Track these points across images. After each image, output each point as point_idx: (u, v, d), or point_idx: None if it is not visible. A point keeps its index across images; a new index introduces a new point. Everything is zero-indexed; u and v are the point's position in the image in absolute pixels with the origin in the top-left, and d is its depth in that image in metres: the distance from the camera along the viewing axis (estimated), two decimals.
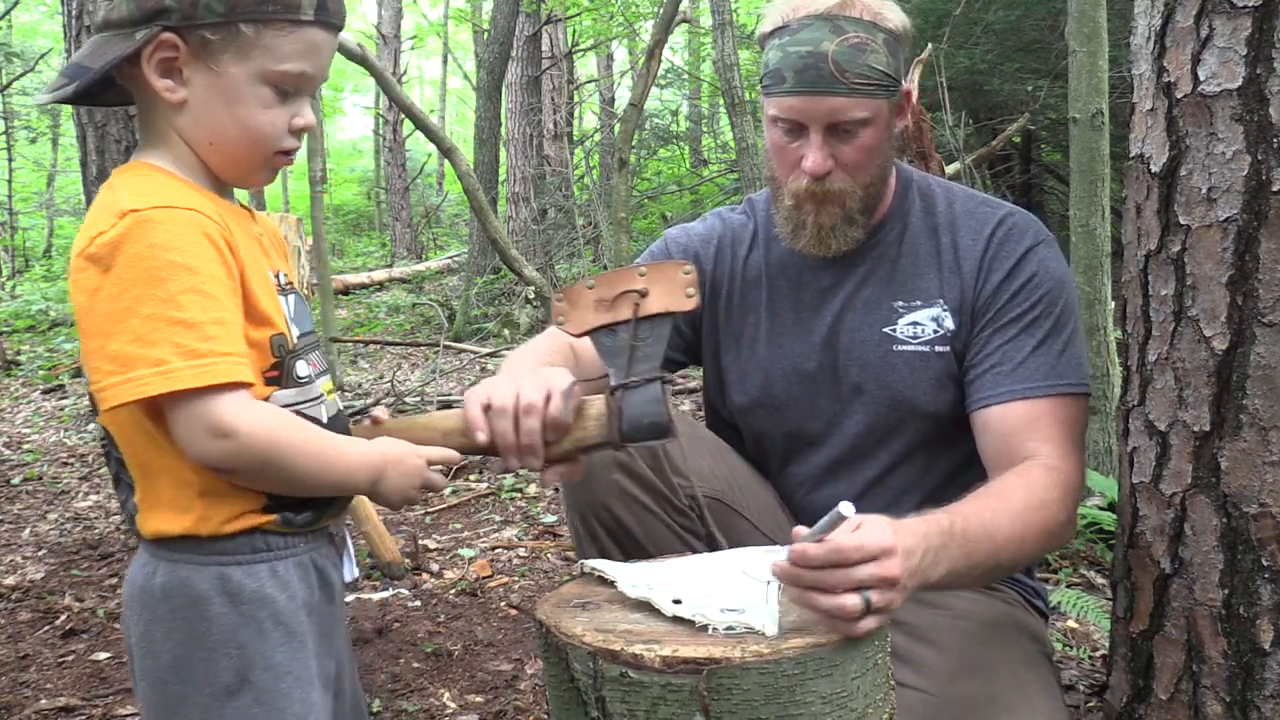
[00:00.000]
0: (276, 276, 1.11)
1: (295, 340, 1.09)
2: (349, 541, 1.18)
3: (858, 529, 1.04)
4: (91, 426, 5.73)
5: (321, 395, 1.10)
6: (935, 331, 1.51)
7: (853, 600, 1.01)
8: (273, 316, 1.06)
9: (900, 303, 1.52)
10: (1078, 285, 3.46)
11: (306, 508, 1.07)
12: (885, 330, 1.52)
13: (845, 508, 1.02)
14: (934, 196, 1.58)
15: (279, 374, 1.06)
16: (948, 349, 1.50)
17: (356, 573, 1.15)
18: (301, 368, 1.09)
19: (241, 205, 1.15)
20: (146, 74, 1.02)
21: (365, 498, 3.37)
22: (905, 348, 1.51)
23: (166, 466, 1.01)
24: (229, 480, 1.01)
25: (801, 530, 1.07)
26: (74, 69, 1.02)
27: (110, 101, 1.10)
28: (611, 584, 1.18)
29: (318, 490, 1.06)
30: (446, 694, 2.35)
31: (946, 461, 1.54)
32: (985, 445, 1.46)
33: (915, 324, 1.52)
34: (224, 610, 0.99)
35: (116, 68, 1.01)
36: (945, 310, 1.51)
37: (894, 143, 1.53)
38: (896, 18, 1.46)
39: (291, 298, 1.13)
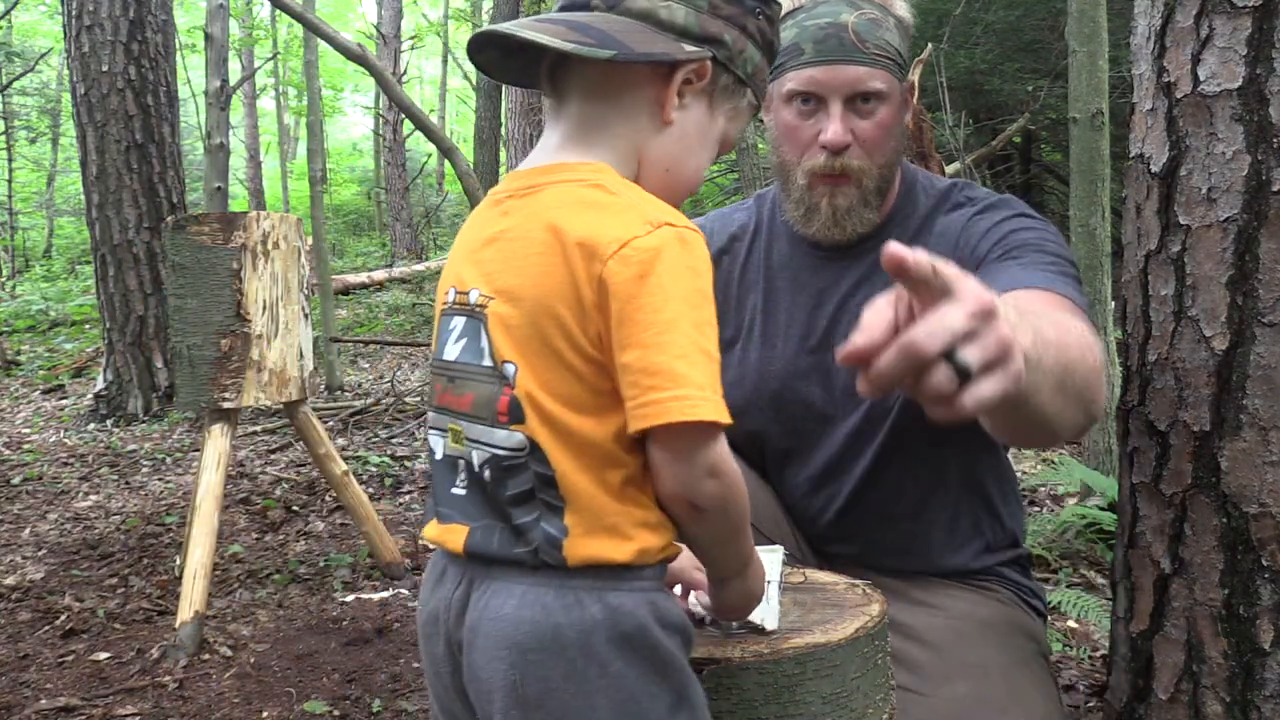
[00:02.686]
0: None
1: None
2: None
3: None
4: (92, 426, 5.74)
5: None
6: None
7: (941, 375, 0.74)
8: None
9: None
10: None
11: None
12: None
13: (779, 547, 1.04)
14: (939, 195, 1.56)
15: None
16: None
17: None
18: None
19: None
20: (670, 86, 0.98)
21: (365, 498, 3.33)
22: None
23: (624, 493, 0.92)
24: (693, 521, 0.94)
25: None
26: (604, 36, 0.94)
27: (512, 75, 1.06)
28: None
29: (729, 552, 0.99)
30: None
31: (944, 460, 1.54)
32: None
33: None
34: (662, 637, 0.92)
35: (658, 63, 0.97)
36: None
37: (903, 132, 1.52)
38: (903, 7, 1.48)
39: None
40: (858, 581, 1.19)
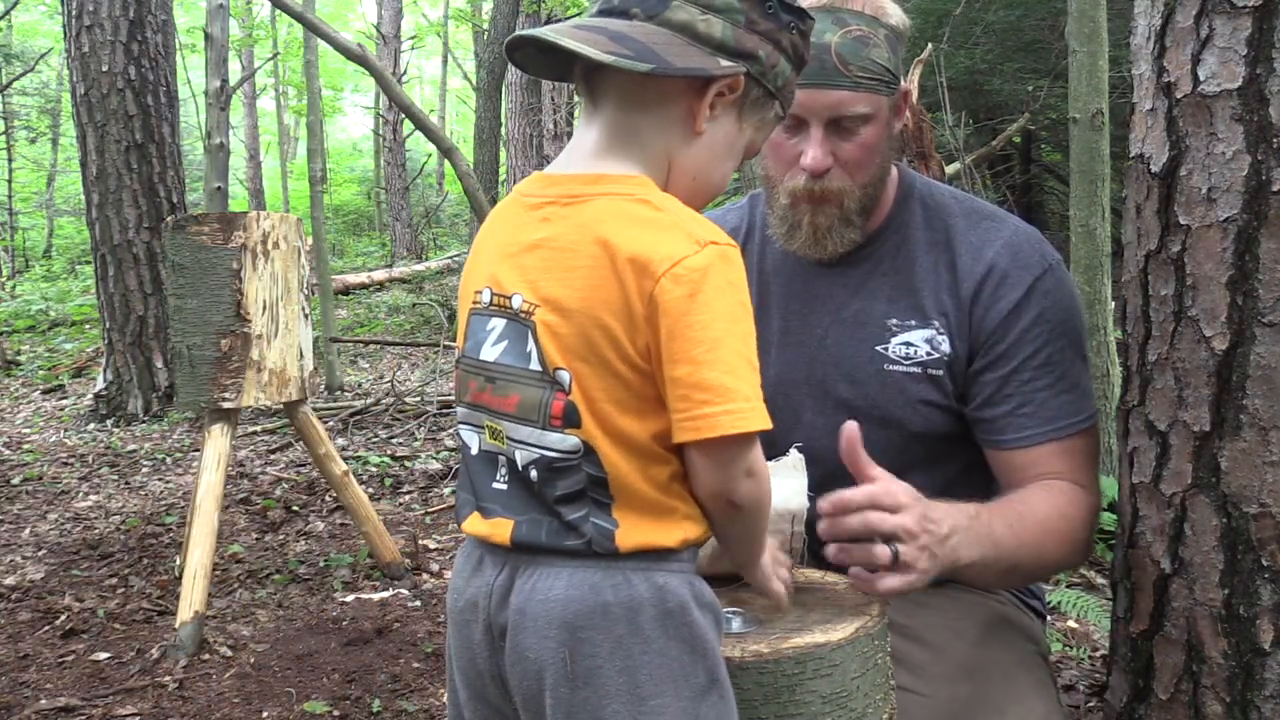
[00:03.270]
0: None
1: None
2: None
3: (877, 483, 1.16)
4: (92, 426, 5.74)
5: None
6: (929, 354, 1.46)
7: (881, 549, 1.09)
8: None
9: (894, 320, 1.48)
10: (1077, 285, 3.46)
11: None
12: (877, 348, 1.48)
13: (794, 452, 1.09)
14: (935, 208, 1.54)
15: None
16: (941, 373, 1.46)
17: None
18: None
19: None
20: (704, 99, 1.01)
21: (365, 498, 3.33)
22: (896, 368, 1.47)
23: (669, 488, 0.98)
24: (729, 518, 1.01)
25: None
26: (641, 49, 0.97)
27: (551, 71, 1.08)
28: None
29: (754, 544, 1.08)
30: (446, 694, 2.35)
31: (935, 479, 1.51)
32: (1005, 478, 1.47)
33: (908, 344, 1.48)
34: (699, 615, 0.98)
35: (694, 76, 1.00)
36: (941, 334, 1.46)
37: (893, 143, 1.49)
38: (897, 14, 1.44)
39: None
40: None
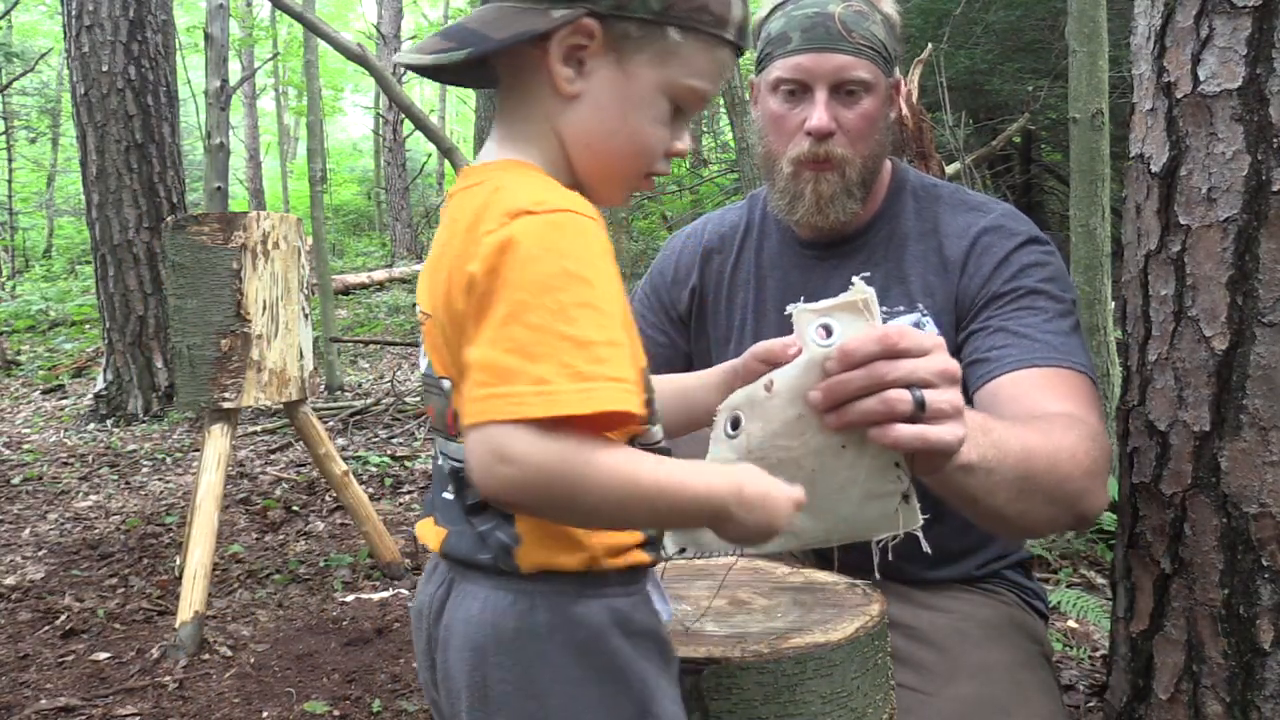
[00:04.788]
0: None
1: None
2: (658, 577, 1.02)
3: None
4: (92, 426, 5.74)
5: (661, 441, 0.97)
6: None
7: (901, 395, 0.87)
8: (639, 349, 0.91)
9: (884, 308, 1.48)
10: (1078, 285, 3.46)
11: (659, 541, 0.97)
12: None
13: (860, 283, 0.91)
14: (926, 199, 1.56)
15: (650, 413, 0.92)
16: None
17: (672, 611, 1.00)
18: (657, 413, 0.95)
19: None
20: (551, 57, 0.90)
21: (365, 498, 3.33)
22: None
23: None
24: (526, 512, 0.89)
25: (801, 307, 0.95)
26: (465, 34, 0.90)
27: (469, 81, 0.99)
28: None
29: (631, 520, 0.90)
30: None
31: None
32: (994, 413, 1.33)
33: None
34: (621, 643, 0.89)
35: (521, 42, 0.89)
36: (926, 316, 1.47)
37: (889, 128, 1.53)
38: (890, 5, 1.50)
39: None
40: (858, 581, 1.19)
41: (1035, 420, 1.21)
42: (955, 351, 1.44)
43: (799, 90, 1.46)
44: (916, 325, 1.47)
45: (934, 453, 0.90)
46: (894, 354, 0.88)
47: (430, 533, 0.98)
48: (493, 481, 0.80)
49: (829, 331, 0.92)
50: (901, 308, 1.49)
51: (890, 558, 0.96)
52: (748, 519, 0.87)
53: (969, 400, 1.35)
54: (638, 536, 0.92)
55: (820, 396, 0.91)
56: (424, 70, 0.95)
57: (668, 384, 1.16)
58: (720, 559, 1.29)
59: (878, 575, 1.01)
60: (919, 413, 0.88)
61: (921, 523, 0.93)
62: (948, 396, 0.90)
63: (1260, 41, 1.20)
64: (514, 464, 0.79)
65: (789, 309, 0.95)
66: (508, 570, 0.89)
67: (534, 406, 0.78)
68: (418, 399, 6.14)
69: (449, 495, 0.95)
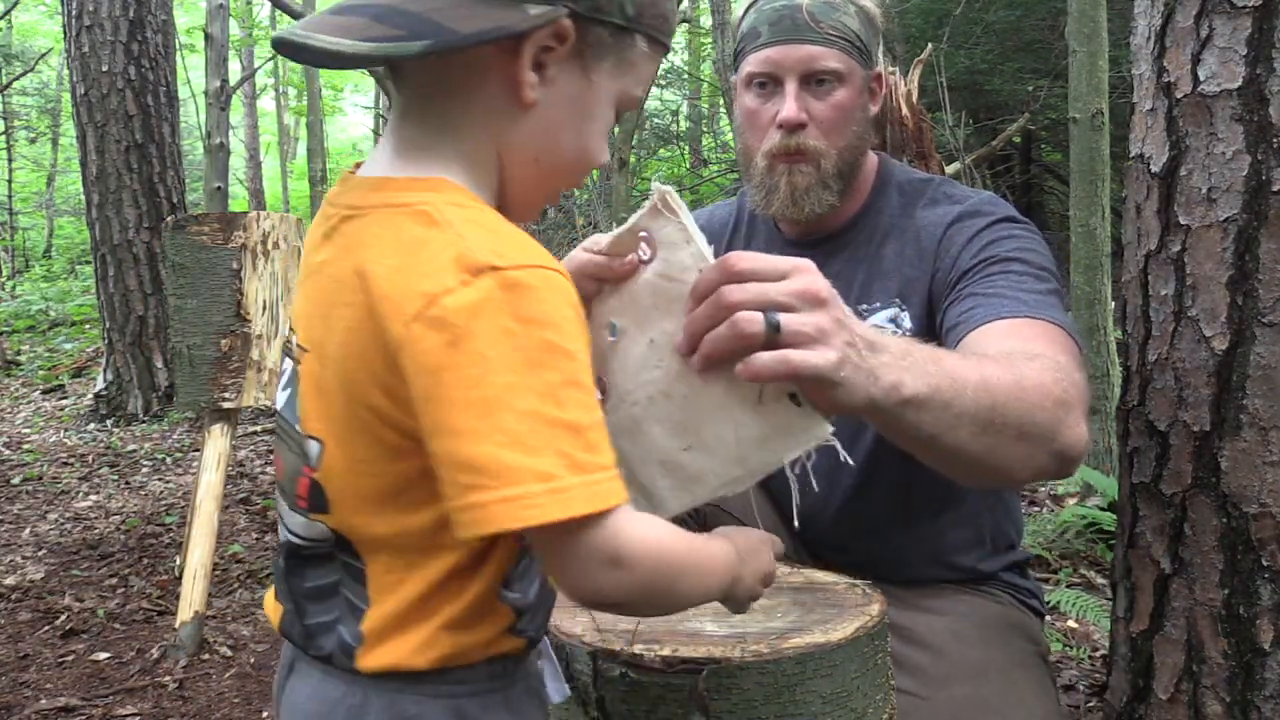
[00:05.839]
0: None
1: None
2: (552, 653, 0.94)
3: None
4: (92, 426, 5.74)
5: None
6: (893, 333, 1.47)
7: (751, 316, 0.80)
8: None
9: (863, 305, 1.49)
10: (1078, 285, 3.46)
11: (542, 617, 0.86)
12: None
13: (655, 183, 0.85)
14: (910, 193, 1.55)
15: None
16: None
17: (567, 691, 0.93)
18: None
19: None
20: (521, 61, 0.78)
21: None
22: None
23: (444, 588, 0.79)
24: (619, 611, 0.82)
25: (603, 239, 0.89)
26: (418, 23, 0.75)
27: (359, 64, 0.82)
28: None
29: (688, 605, 0.83)
30: None
31: (913, 474, 1.47)
32: None
33: (875, 327, 1.48)
34: None
35: (490, 41, 0.76)
36: (903, 310, 1.46)
37: (868, 121, 1.52)
38: (870, 1, 1.50)
39: None
40: (858, 581, 1.19)
41: (994, 356, 1.11)
42: (933, 335, 1.40)
43: (770, 84, 1.47)
44: (893, 320, 1.47)
45: (811, 382, 0.82)
46: (738, 277, 0.82)
47: (271, 605, 0.88)
48: (605, 589, 0.74)
49: (650, 246, 0.88)
50: (878, 304, 1.48)
51: (815, 486, 0.88)
52: (752, 575, 0.86)
53: None
54: (506, 621, 0.81)
55: (682, 340, 0.85)
56: (314, 56, 0.77)
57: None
58: None
59: (796, 517, 0.93)
60: (774, 335, 0.80)
61: (831, 430, 0.83)
62: (811, 319, 0.82)
63: (1260, 41, 1.20)
64: (625, 566, 0.73)
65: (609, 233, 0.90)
66: (343, 667, 0.80)
67: (548, 509, 0.69)
68: None
69: (285, 572, 0.85)
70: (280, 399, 0.84)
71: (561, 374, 0.71)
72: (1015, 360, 1.08)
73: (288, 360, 0.84)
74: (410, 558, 0.78)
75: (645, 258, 0.89)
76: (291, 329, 0.83)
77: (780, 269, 0.83)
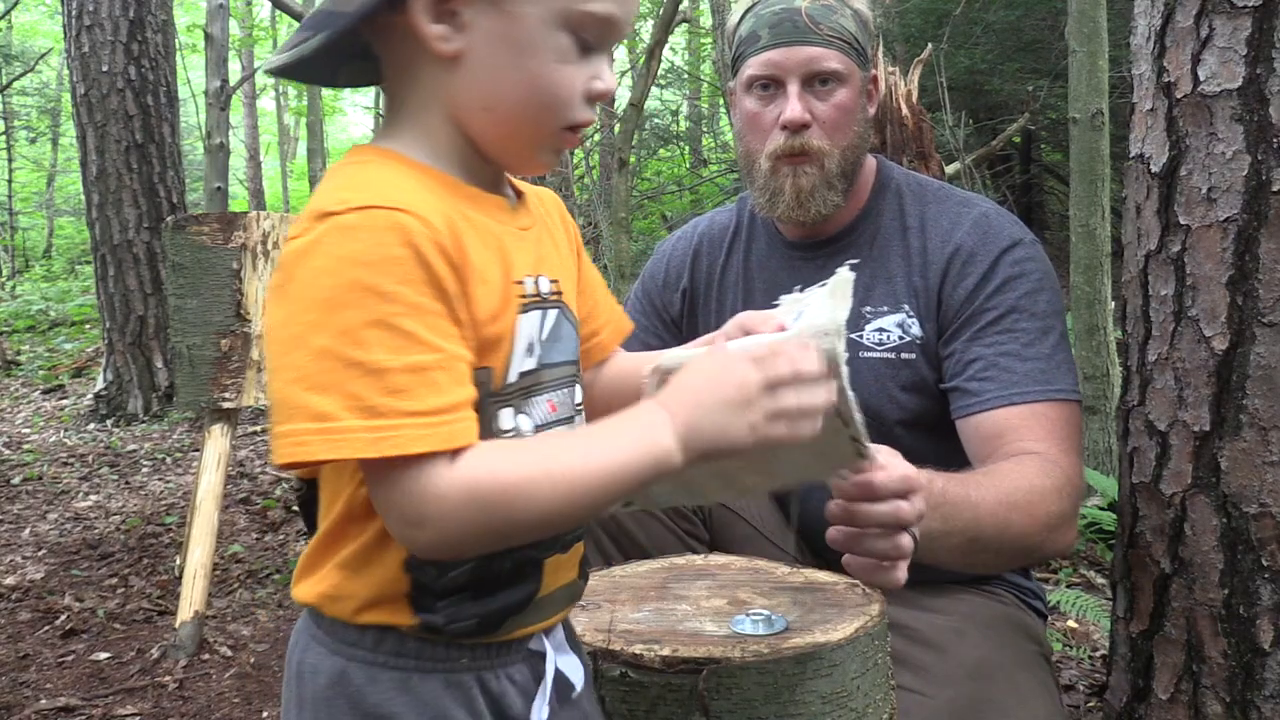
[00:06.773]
0: (535, 282, 0.83)
1: (513, 377, 0.80)
2: (550, 686, 0.86)
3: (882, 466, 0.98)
4: (92, 426, 5.74)
5: None
6: (901, 338, 1.48)
7: (908, 540, 0.97)
8: (495, 343, 0.78)
9: (868, 308, 1.50)
10: (1078, 285, 3.46)
11: (473, 611, 0.79)
12: (852, 335, 1.48)
13: (842, 271, 0.87)
14: (911, 196, 1.56)
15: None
16: (915, 356, 1.47)
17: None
18: (506, 418, 0.80)
19: (515, 188, 0.90)
20: (414, 17, 0.76)
21: None
22: (871, 354, 1.48)
23: (342, 527, 0.79)
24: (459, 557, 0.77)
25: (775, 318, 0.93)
26: (319, 18, 0.77)
27: (347, 80, 0.86)
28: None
29: (562, 519, 0.75)
30: None
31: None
32: (975, 452, 1.41)
33: (881, 330, 1.49)
34: (346, 716, 0.77)
35: (374, 10, 0.76)
36: (911, 317, 1.47)
37: (867, 122, 1.53)
38: (861, 3, 1.52)
39: (538, 314, 0.83)
40: (858, 581, 1.19)
41: (1001, 469, 1.28)
42: (936, 355, 1.47)
43: (772, 86, 1.48)
44: (900, 326, 1.49)
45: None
46: (907, 494, 0.97)
47: None
48: (417, 543, 0.73)
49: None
50: (885, 307, 1.49)
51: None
52: (717, 414, 0.76)
53: (952, 425, 1.43)
54: (397, 582, 0.78)
55: (839, 536, 1.00)
56: (289, 72, 0.82)
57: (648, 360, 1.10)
58: (719, 558, 1.29)
59: (796, 519, 1.08)
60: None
61: (872, 453, 0.95)
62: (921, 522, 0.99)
63: (1260, 41, 1.20)
64: (426, 525, 0.70)
65: (780, 300, 0.96)
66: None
67: (315, 447, 0.68)
68: None
69: None
70: None
71: (366, 313, 0.69)
72: (1020, 479, 1.25)
73: None
74: (334, 488, 0.80)
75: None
76: None
77: (915, 482, 0.99)
